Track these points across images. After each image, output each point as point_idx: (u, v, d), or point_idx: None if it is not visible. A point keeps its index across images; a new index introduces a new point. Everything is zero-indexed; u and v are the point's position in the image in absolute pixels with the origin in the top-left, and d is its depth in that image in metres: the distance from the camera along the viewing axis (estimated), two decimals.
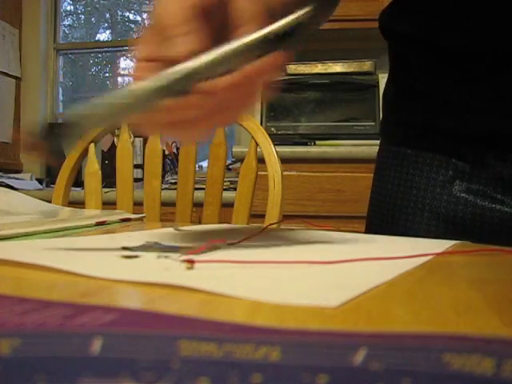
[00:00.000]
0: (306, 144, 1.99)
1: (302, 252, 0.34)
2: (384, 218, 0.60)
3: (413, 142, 0.58)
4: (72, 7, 3.19)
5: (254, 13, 0.32)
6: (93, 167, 1.04)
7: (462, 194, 0.55)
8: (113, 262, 0.26)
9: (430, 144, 0.57)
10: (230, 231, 0.51)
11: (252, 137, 1.05)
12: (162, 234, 0.42)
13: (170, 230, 0.45)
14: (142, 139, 2.26)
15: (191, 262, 0.25)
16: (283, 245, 0.36)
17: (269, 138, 1.05)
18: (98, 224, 0.50)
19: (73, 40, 3.17)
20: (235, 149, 1.89)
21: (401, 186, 0.58)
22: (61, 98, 3.07)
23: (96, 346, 0.12)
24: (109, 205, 1.02)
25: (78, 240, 0.36)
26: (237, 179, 1.09)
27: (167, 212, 1.04)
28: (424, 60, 0.56)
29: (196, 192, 1.03)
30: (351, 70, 2.09)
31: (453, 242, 0.39)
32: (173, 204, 1.02)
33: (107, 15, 3.18)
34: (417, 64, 0.57)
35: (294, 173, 1.88)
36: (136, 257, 0.28)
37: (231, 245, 0.34)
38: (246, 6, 0.32)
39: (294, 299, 0.18)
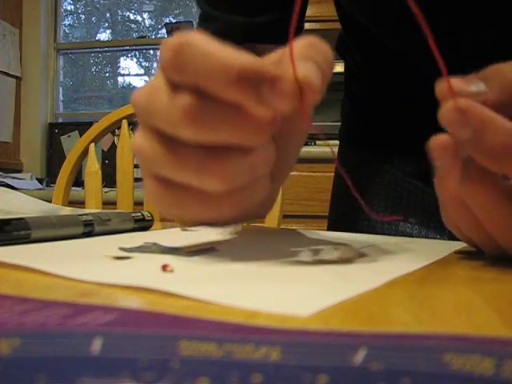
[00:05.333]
0: (306, 144, 1.98)
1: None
2: (344, 209, 0.66)
3: (362, 145, 0.66)
4: (72, 7, 3.19)
5: None
6: (93, 167, 1.04)
7: (407, 179, 0.61)
8: (103, 264, 0.26)
9: (376, 149, 0.64)
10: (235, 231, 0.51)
11: None
12: (164, 234, 0.42)
13: (175, 230, 0.45)
14: None
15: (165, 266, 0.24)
16: (289, 244, 0.36)
17: None
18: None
19: (73, 40, 3.18)
20: None
21: (356, 179, 0.64)
22: (61, 97, 3.08)
23: (96, 345, 0.12)
24: (109, 204, 1.02)
25: (77, 240, 0.36)
26: None
27: None
28: (369, 81, 0.63)
29: None
30: None
31: (458, 244, 0.39)
32: None
33: (108, 15, 3.18)
34: (364, 81, 0.64)
35: (294, 173, 1.87)
36: (128, 258, 0.28)
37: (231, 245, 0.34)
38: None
39: (266, 306, 0.17)
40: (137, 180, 1.08)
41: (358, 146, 0.66)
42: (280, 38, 0.56)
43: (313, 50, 0.27)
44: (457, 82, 0.26)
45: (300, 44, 0.27)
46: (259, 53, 0.56)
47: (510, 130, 0.24)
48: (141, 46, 3.07)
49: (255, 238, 0.44)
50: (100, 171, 1.04)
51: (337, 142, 0.70)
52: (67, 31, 3.17)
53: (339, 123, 0.70)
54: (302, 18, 0.60)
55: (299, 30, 0.59)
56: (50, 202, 0.83)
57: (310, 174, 1.90)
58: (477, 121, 0.24)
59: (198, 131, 0.25)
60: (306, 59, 0.25)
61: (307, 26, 2.40)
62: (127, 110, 1.04)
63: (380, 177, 0.62)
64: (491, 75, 0.27)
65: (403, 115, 0.60)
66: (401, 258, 0.32)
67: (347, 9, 0.59)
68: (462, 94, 0.25)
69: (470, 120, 0.24)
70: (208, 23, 0.56)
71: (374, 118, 0.64)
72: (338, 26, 0.65)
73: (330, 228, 0.68)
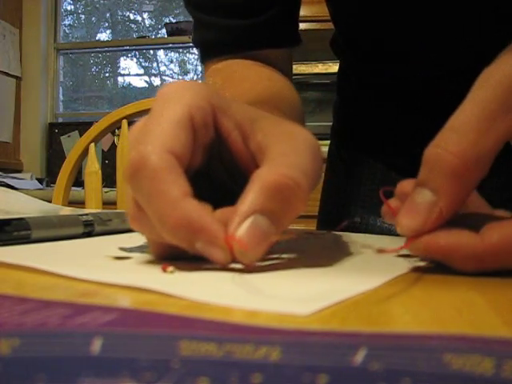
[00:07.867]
0: None
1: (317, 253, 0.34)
2: (335, 205, 0.67)
3: (352, 145, 0.65)
4: (72, 7, 3.19)
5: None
6: (93, 167, 1.04)
7: (398, 177, 0.61)
8: (103, 264, 0.26)
9: (366, 148, 0.64)
10: None
11: None
12: None
13: None
14: None
15: (166, 266, 0.24)
16: (289, 244, 0.36)
17: None
18: None
19: (73, 40, 3.18)
20: None
21: (346, 179, 0.65)
22: (61, 97, 3.08)
23: (96, 345, 0.12)
24: (109, 204, 1.02)
25: (77, 240, 0.36)
26: None
27: None
28: (359, 83, 0.63)
29: None
30: None
31: None
32: None
33: (107, 15, 3.18)
34: (354, 82, 0.64)
35: None
36: (128, 258, 0.28)
37: None
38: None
39: (266, 306, 0.17)
40: None
41: (349, 145, 0.66)
42: (278, 38, 0.55)
43: (275, 198, 0.23)
44: (404, 218, 0.25)
45: (264, 187, 0.24)
46: (260, 58, 0.55)
47: (475, 249, 0.24)
48: (141, 46, 3.07)
49: None
50: (100, 171, 1.04)
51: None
52: (67, 31, 3.17)
53: None
54: (295, 23, 0.58)
55: (295, 36, 0.58)
56: (50, 201, 0.83)
57: None
58: (439, 256, 0.25)
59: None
60: (259, 213, 0.23)
61: (307, 26, 2.38)
62: (127, 110, 1.04)
63: (371, 175, 0.62)
64: (431, 170, 0.25)
65: (391, 120, 0.60)
66: (399, 258, 0.32)
67: (333, 17, 0.60)
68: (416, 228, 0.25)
69: (434, 256, 0.26)
70: (202, 30, 0.55)
71: (362, 118, 0.64)
72: None
73: (320, 227, 0.68)
